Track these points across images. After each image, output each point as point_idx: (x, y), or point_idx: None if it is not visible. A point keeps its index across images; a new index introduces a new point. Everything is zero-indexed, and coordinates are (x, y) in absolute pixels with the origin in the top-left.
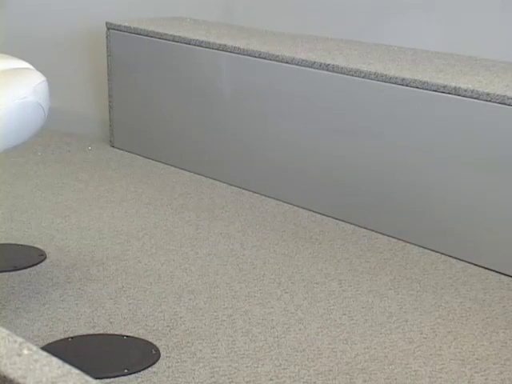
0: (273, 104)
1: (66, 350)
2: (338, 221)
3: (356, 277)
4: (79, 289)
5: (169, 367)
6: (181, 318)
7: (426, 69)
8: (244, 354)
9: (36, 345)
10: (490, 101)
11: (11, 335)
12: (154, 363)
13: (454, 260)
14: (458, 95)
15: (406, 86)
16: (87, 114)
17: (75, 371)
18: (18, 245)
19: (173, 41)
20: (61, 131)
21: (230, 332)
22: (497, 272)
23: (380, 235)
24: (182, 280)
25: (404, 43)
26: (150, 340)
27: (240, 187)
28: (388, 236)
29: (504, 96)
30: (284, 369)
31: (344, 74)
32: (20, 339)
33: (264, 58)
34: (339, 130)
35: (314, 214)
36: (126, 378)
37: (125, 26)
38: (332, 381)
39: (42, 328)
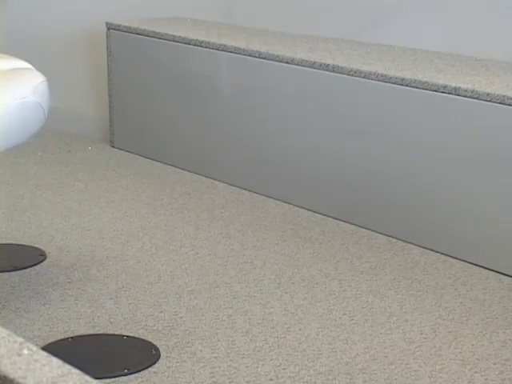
0: (273, 104)
1: (65, 349)
2: (338, 221)
3: (356, 277)
4: (79, 289)
5: (169, 367)
6: (181, 318)
7: (426, 69)
8: (244, 353)
9: (36, 345)
10: (490, 101)
11: (11, 335)
12: (154, 363)
13: (454, 260)
14: (458, 95)
15: (406, 86)
16: (87, 114)
17: (75, 371)
18: (18, 245)
19: (173, 41)
20: (61, 131)
21: (229, 332)
22: (497, 272)
23: (380, 235)
24: (182, 280)
25: (404, 43)
26: (150, 340)
27: (240, 187)
28: (388, 236)
29: (504, 96)
30: (284, 369)
31: (344, 74)
32: (20, 339)
33: (264, 58)
34: (339, 130)
35: (314, 213)
36: (126, 378)
37: (125, 26)
38: (332, 381)
39: (42, 328)
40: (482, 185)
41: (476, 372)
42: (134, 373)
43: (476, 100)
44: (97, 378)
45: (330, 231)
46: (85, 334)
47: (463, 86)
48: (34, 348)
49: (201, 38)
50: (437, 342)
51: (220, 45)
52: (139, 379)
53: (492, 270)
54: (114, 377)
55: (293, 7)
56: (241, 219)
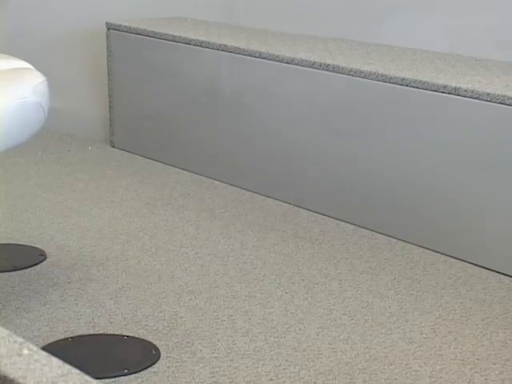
0: (273, 104)
1: (66, 349)
2: (338, 221)
3: (356, 277)
4: (79, 289)
5: (169, 367)
6: (181, 318)
7: (426, 69)
8: (244, 353)
9: (36, 345)
10: (490, 101)
11: (11, 335)
12: (154, 363)
13: (454, 260)
14: (458, 95)
15: (406, 86)
16: (87, 114)
17: (75, 371)
18: (18, 245)
19: (173, 41)
20: (61, 131)
21: (229, 332)
22: (497, 272)
23: (380, 235)
24: (182, 280)
25: (404, 43)
26: (150, 340)
27: (240, 187)
28: (388, 236)
29: (504, 96)
30: (284, 369)
31: (344, 74)
32: (20, 339)
33: (264, 58)
34: (339, 130)
35: (314, 214)
36: (126, 378)
37: (125, 26)
38: (332, 381)
39: (42, 328)
40: (482, 185)
41: (476, 372)
42: (134, 373)
43: (476, 100)
44: (97, 378)
45: (330, 231)
46: (85, 334)
47: (463, 85)
48: (34, 348)
49: (201, 38)
50: (437, 341)
51: (220, 45)
52: (139, 379)
53: (492, 270)
54: (114, 377)
55: (293, 7)
56: (241, 219)
